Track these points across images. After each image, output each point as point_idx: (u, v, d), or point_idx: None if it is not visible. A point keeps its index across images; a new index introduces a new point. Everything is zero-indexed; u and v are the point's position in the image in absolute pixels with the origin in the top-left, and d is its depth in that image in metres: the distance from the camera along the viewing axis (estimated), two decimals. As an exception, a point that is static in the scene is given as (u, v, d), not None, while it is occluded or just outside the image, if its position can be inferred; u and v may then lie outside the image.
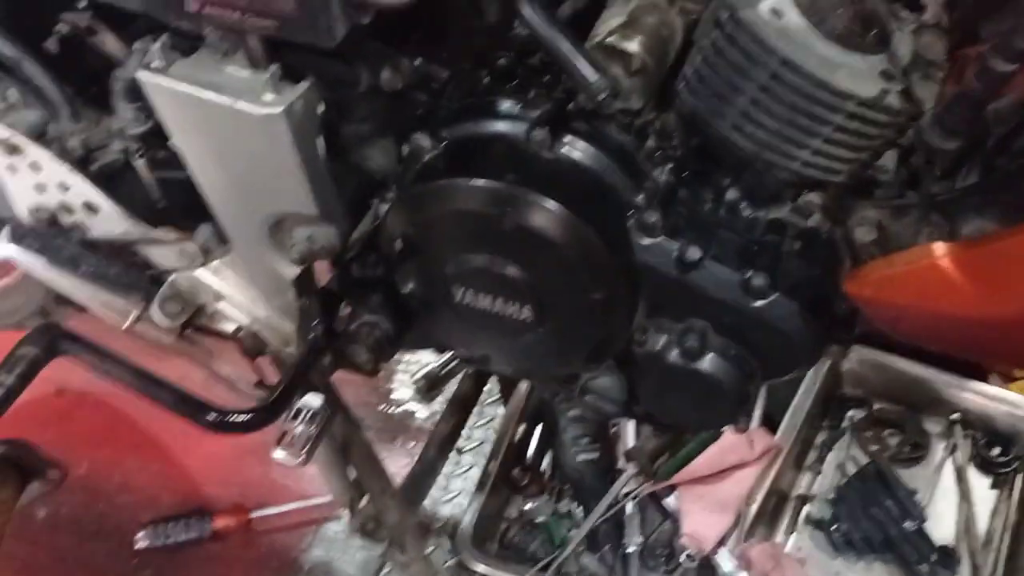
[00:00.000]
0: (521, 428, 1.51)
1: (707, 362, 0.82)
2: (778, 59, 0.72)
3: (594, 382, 0.89)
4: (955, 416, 1.44)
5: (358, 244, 0.93)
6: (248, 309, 0.98)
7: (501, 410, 1.60)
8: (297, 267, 0.92)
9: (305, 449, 0.88)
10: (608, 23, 0.84)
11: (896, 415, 1.51)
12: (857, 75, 0.73)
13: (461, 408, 1.45)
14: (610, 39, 0.83)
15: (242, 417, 0.83)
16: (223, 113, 0.80)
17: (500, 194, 0.76)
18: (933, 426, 1.49)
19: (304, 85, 0.81)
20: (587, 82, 0.74)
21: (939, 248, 0.66)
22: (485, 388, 1.54)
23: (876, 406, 1.53)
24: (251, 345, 0.99)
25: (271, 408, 0.85)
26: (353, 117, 0.92)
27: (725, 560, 1.26)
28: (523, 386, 1.51)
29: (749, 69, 0.74)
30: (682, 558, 1.32)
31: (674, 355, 0.82)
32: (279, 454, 0.89)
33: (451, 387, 1.48)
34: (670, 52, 0.87)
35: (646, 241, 0.79)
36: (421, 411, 1.65)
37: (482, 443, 1.59)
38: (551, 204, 0.76)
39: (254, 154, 0.83)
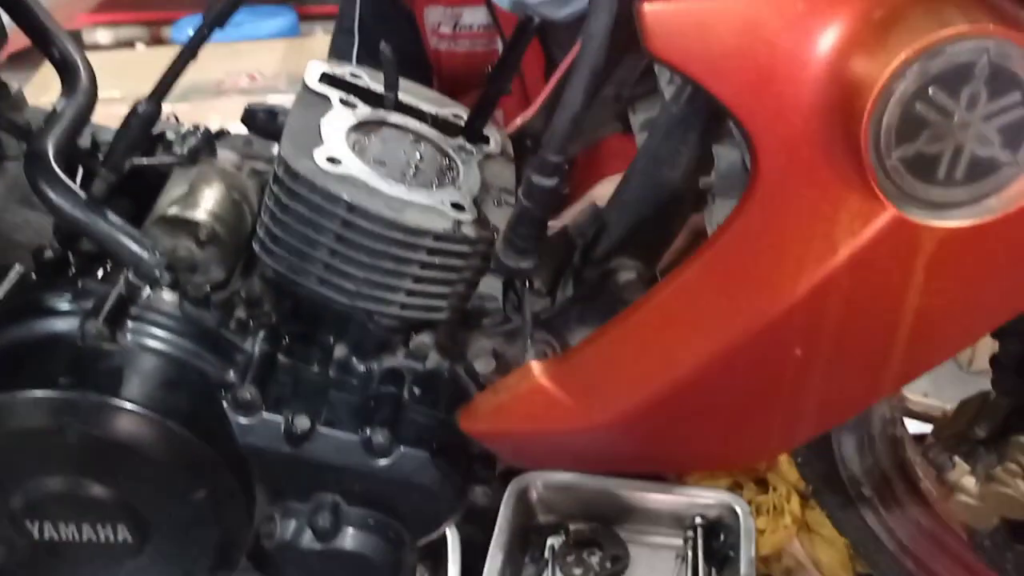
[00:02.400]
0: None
1: (347, 539, 0.74)
2: (344, 205, 0.69)
3: (228, 593, 0.77)
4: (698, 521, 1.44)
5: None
6: None
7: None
8: None
9: None
10: (170, 194, 0.77)
11: (592, 532, 1.50)
12: (427, 211, 0.71)
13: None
14: (172, 210, 0.76)
15: None
16: None
17: (53, 402, 0.65)
18: (628, 534, 1.50)
19: None
20: (135, 261, 0.66)
21: (536, 367, 0.65)
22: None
23: (572, 528, 1.51)
24: None
25: None
26: None
27: None
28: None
29: (319, 221, 0.70)
30: None
31: (308, 539, 0.73)
32: None
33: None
34: (246, 216, 0.81)
35: (245, 420, 0.71)
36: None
37: None
38: (118, 403, 0.65)
39: None
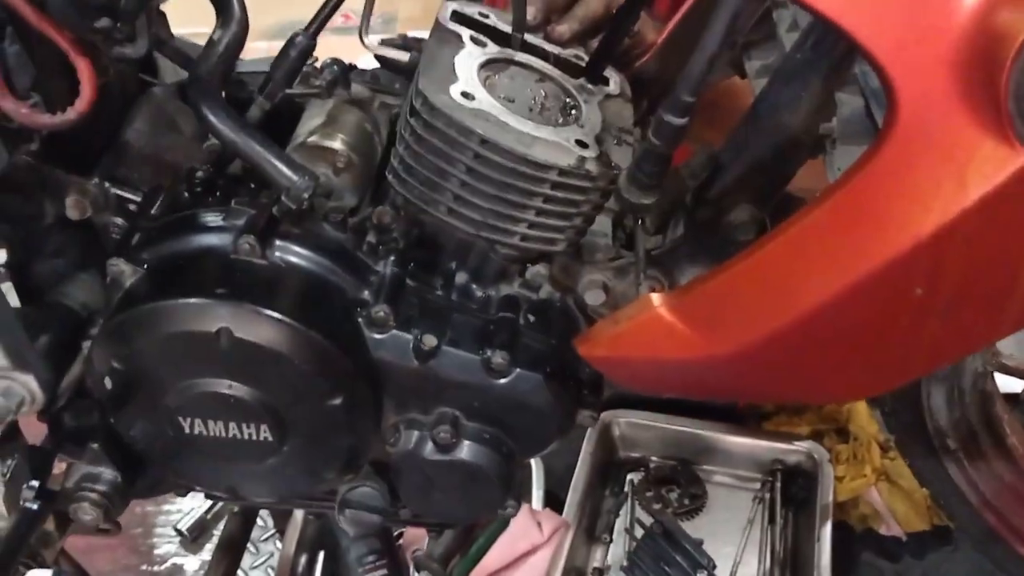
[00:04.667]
0: (303, 559, 1.40)
1: (464, 451, 0.80)
2: (477, 139, 0.73)
3: (353, 493, 0.83)
4: (777, 466, 1.48)
5: (68, 391, 0.83)
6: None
7: (279, 544, 1.49)
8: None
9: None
10: (308, 124, 0.83)
11: (672, 470, 1.55)
12: (553, 146, 0.75)
13: (230, 551, 1.33)
14: (311, 139, 0.81)
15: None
16: None
17: (210, 310, 0.71)
18: (706, 475, 1.54)
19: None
20: (287, 184, 0.71)
21: (656, 299, 0.68)
22: (257, 523, 1.43)
23: (652, 465, 1.56)
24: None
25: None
26: (44, 253, 0.84)
27: (533, 651, 1.22)
28: (298, 514, 1.42)
29: (451, 153, 0.74)
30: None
31: (429, 450, 0.79)
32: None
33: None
34: (376, 146, 0.86)
35: (379, 336, 0.76)
36: (190, 562, 1.50)
37: (262, 583, 1.47)
38: (268, 313, 0.71)
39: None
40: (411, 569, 1.37)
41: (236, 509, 1.34)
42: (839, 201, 0.58)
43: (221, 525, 1.34)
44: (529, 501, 1.44)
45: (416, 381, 0.77)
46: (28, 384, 0.80)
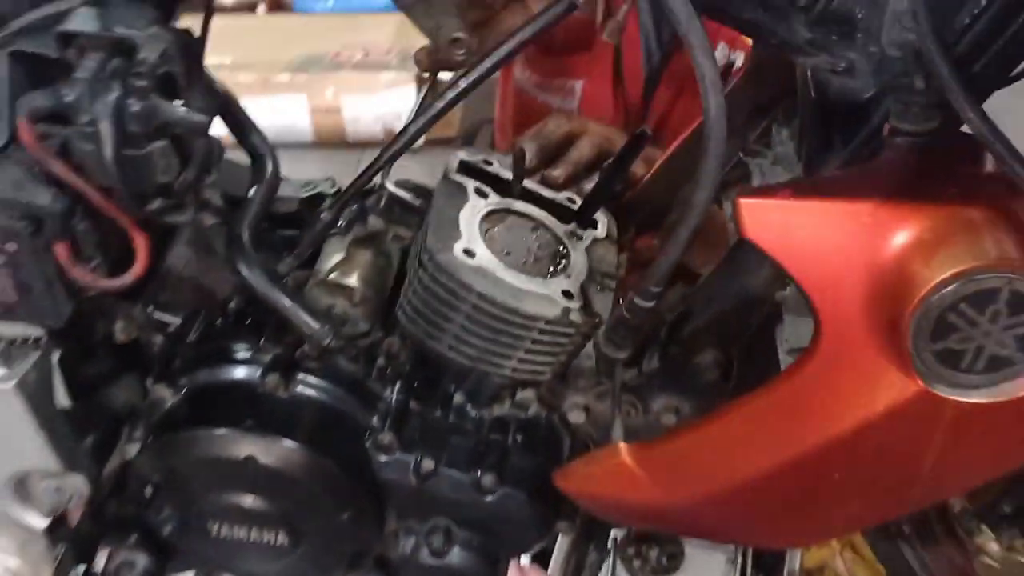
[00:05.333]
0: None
1: (455, 556, 0.91)
2: (475, 294, 0.84)
3: (355, 589, 0.95)
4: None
5: (109, 482, 0.95)
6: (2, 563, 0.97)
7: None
8: (47, 517, 0.93)
9: None
10: (328, 261, 0.93)
11: (652, 531, 1.65)
12: (542, 299, 0.86)
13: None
14: (332, 276, 0.92)
15: None
16: (-46, 392, 0.81)
17: (239, 438, 0.82)
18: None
19: (35, 354, 0.84)
20: (309, 332, 0.83)
21: (623, 448, 0.79)
22: None
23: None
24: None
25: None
26: (92, 361, 0.95)
27: None
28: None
29: (453, 302, 0.85)
30: None
31: (424, 554, 0.91)
32: None
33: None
34: (388, 278, 0.97)
35: (384, 458, 0.87)
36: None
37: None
38: (289, 444, 0.83)
39: (-10, 423, 0.84)
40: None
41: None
42: (777, 395, 0.69)
43: None
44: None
45: (414, 497, 0.88)
46: (77, 482, 0.92)
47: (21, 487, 0.92)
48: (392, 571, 0.94)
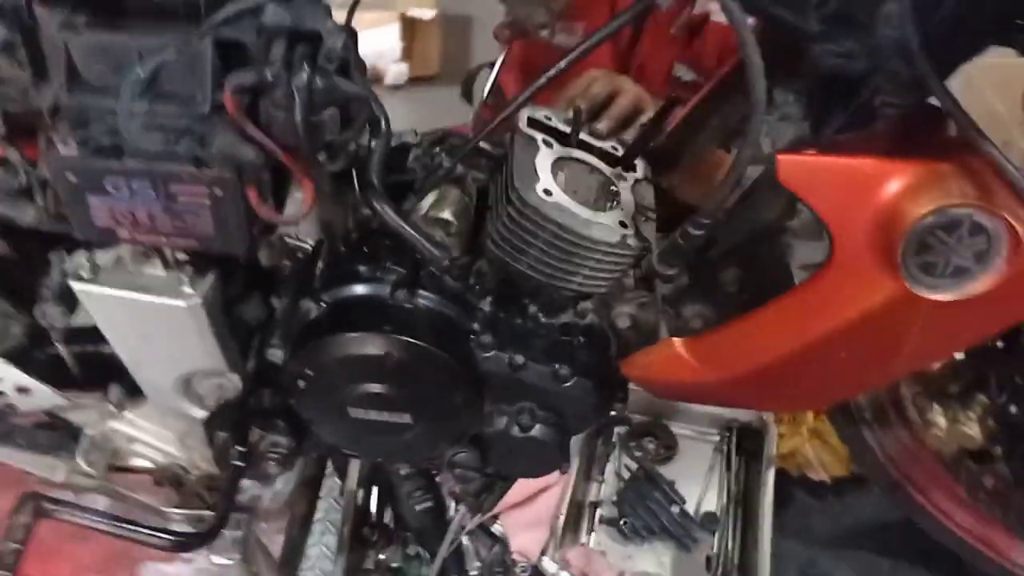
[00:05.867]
0: (361, 493, 1.77)
1: (537, 431, 1.16)
2: (555, 224, 1.07)
3: (456, 457, 1.20)
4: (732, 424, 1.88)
5: (250, 379, 1.18)
6: (162, 449, 1.19)
7: (337, 482, 1.85)
8: (206, 409, 1.16)
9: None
10: (427, 200, 1.16)
11: (649, 425, 1.94)
12: (604, 228, 1.09)
13: (311, 488, 1.69)
14: (431, 212, 1.14)
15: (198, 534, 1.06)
16: (150, 308, 1.03)
17: (378, 340, 1.06)
18: (677, 430, 1.93)
19: (212, 276, 1.05)
20: (432, 256, 1.06)
21: (676, 342, 1.04)
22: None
23: (634, 421, 1.95)
24: (169, 477, 1.20)
25: (218, 522, 1.08)
26: (235, 285, 1.17)
27: (549, 565, 1.61)
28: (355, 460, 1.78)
29: (536, 231, 1.08)
30: (517, 571, 1.65)
31: (514, 430, 1.16)
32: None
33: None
34: (471, 211, 1.20)
35: (485, 355, 1.12)
36: (266, 494, 1.86)
37: (327, 512, 1.83)
38: (417, 343, 1.06)
39: (175, 333, 1.06)
40: (451, 502, 1.75)
41: (313, 456, 1.69)
42: (801, 296, 0.95)
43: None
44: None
45: (508, 384, 1.13)
46: (234, 380, 1.14)
47: (187, 385, 1.14)
48: (484, 446, 1.19)
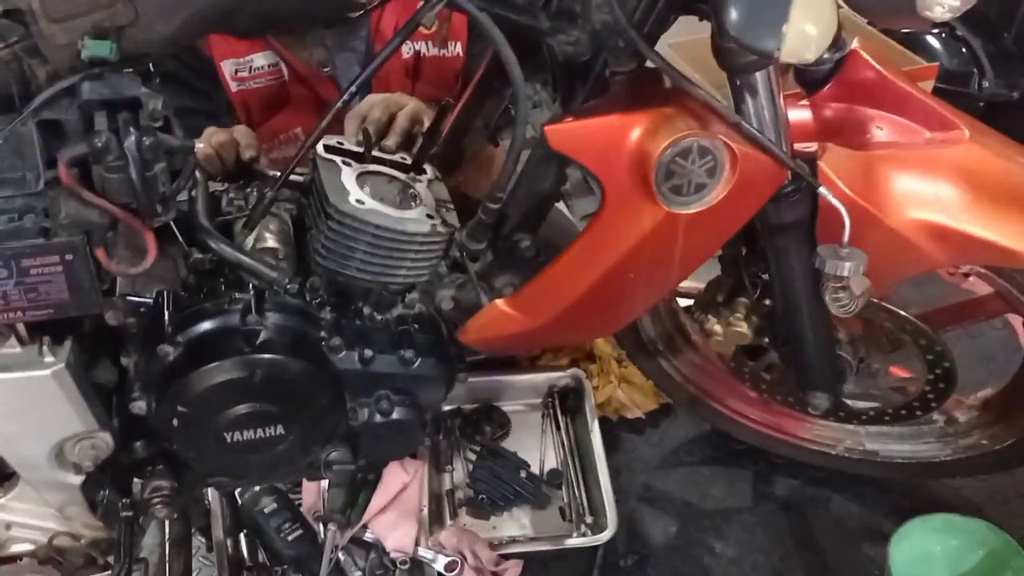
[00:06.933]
0: (229, 542, 1.81)
1: (397, 413, 1.30)
2: (373, 227, 1.23)
3: (331, 456, 1.32)
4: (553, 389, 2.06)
5: (119, 437, 1.23)
6: (42, 527, 1.22)
7: (201, 539, 1.88)
8: (82, 474, 1.20)
9: None
10: (253, 233, 1.28)
11: (481, 411, 2.11)
12: (415, 222, 1.26)
13: (182, 547, 1.72)
14: (258, 244, 1.26)
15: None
16: (14, 385, 1.08)
17: (242, 362, 1.16)
18: (506, 408, 2.11)
19: (69, 340, 1.12)
20: (272, 279, 1.18)
21: (500, 302, 1.23)
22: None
23: (466, 410, 2.11)
24: (51, 554, 1.22)
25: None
26: (87, 349, 1.23)
27: (426, 552, 1.74)
28: (215, 507, 1.82)
29: (357, 237, 1.23)
30: (398, 568, 1.76)
31: (377, 417, 1.29)
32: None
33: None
34: (292, 237, 1.33)
35: (337, 356, 1.25)
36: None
37: (200, 571, 1.85)
38: (277, 356, 1.18)
39: (44, 403, 1.11)
40: (319, 526, 1.82)
41: (176, 516, 1.72)
42: (588, 239, 1.16)
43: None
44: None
45: (362, 378, 1.27)
46: (106, 438, 1.20)
47: (60, 453, 1.18)
48: (353, 440, 1.32)
